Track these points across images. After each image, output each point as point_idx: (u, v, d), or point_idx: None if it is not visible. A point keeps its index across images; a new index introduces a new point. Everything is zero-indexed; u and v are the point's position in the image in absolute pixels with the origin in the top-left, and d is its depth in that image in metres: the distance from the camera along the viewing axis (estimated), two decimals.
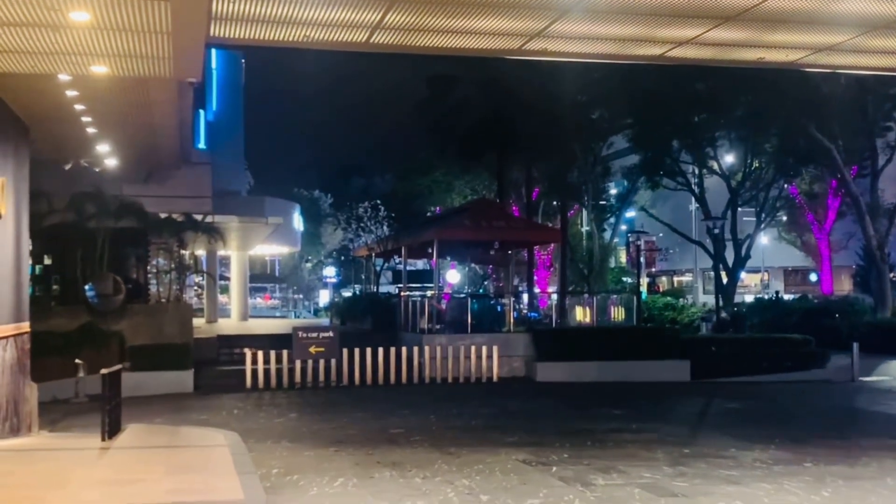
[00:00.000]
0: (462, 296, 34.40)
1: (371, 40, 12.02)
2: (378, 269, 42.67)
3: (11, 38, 10.64)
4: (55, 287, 26.57)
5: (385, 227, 52.66)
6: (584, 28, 11.82)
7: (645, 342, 26.52)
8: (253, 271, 62.29)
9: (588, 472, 11.94)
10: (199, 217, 27.92)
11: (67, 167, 23.00)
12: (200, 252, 37.29)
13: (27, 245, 17.07)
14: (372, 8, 10.90)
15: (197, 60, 12.19)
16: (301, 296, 79.52)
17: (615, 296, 33.38)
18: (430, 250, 31.77)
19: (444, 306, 28.63)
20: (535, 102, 33.43)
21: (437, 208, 48.97)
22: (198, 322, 34.13)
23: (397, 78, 38.86)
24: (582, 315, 30.38)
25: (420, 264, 49.18)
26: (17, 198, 15.53)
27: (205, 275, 40.59)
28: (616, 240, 47.38)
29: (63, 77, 13.15)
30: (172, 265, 28.11)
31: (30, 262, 22.37)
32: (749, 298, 45.61)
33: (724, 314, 33.28)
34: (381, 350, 24.21)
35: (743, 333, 31.22)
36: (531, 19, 11.39)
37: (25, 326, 16.03)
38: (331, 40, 12.06)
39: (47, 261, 26.81)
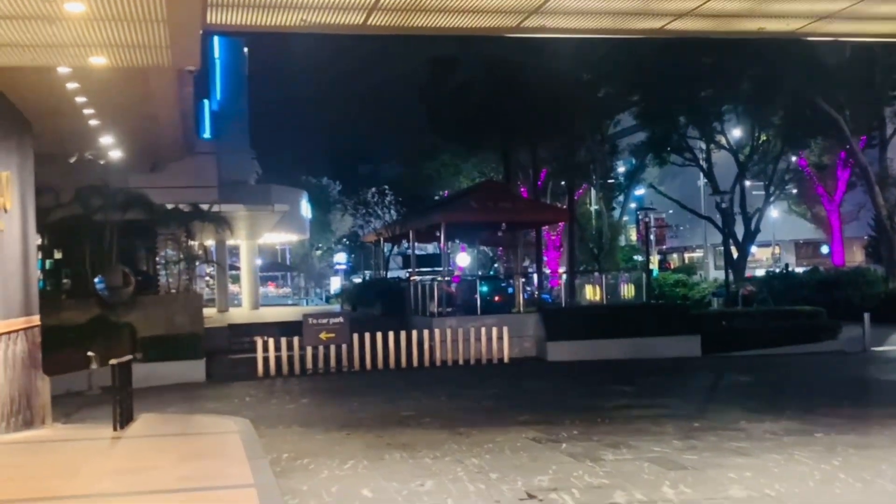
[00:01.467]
0: (471, 278, 34.39)
1: (368, 22, 11.96)
2: (387, 254, 42.69)
3: (8, 31, 10.64)
4: (66, 281, 26.69)
5: (393, 212, 52.64)
6: (582, 3, 11.74)
7: (655, 319, 26.48)
8: (264, 260, 62.43)
9: (597, 448, 11.95)
10: (205, 207, 27.97)
11: (72, 160, 23.05)
12: (209, 242, 37.36)
13: (34, 239, 17.14)
14: None
15: (194, 48, 12.17)
16: (312, 283, 79.64)
17: (625, 274, 33.32)
18: (438, 234, 31.75)
19: (453, 289, 28.64)
20: (540, 82, 33.30)
21: (445, 192, 48.90)
22: (209, 312, 34.26)
23: (400, 62, 38.81)
24: (592, 294, 30.34)
25: (429, 248, 49.23)
26: (23, 192, 15.58)
27: (214, 264, 40.69)
28: (625, 218, 47.29)
29: (63, 70, 13.17)
30: (181, 256, 28.19)
31: (39, 256, 22.50)
32: (760, 272, 45.47)
33: (749, 287, 33.17)
34: (391, 334, 24.27)
35: (751, 307, 31.14)
36: None
37: (36, 320, 16.12)
38: (327, 23, 12.00)
39: (58, 255, 26.93)
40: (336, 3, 11.21)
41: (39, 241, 22.17)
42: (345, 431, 14.11)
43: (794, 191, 47.32)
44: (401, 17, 11.95)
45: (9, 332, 13.93)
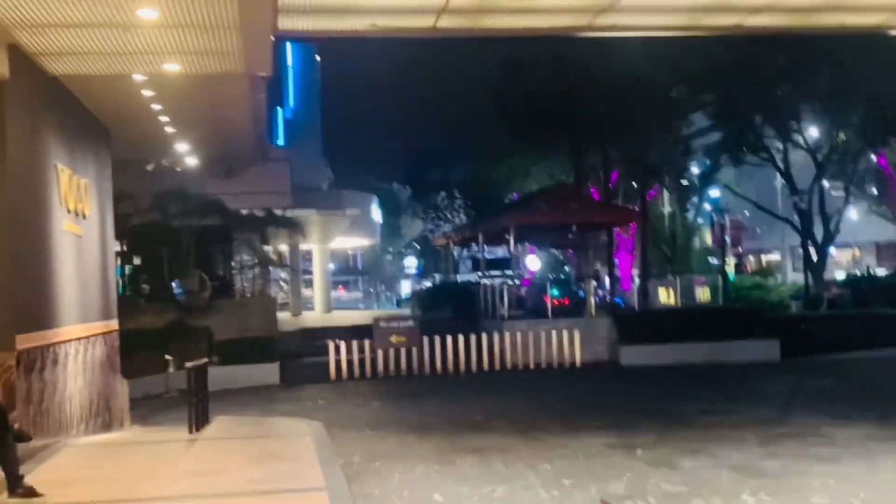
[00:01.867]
0: (542, 281, 34.13)
1: (437, 25, 11.92)
2: (457, 257, 42.66)
3: (84, 39, 10.88)
4: (144, 285, 27.24)
5: (463, 216, 52.58)
6: None
7: (732, 322, 25.90)
8: (336, 264, 62.97)
9: (674, 455, 11.70)
10: (279, 212, 28.31)
11: (150, 167, 23.52)
12: (283, 247, 37.83)
13: (113, 245, 17.52)
14: None
15: (266, 54, 12.29)
16: (383, 287, 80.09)
17: (700, 276, 32.69)
18: (507, 237, 31.57)
19: (523, 292, 28.45)
20: (611, 83, 32.89)
21: (515, 194, 48.68)
22: (283, 315, 34.66)
23: (470, 65, 38.70)
24: (666, 297, 29.83)
25: (499, 251, 49.01)
26: (101, 199, 15.94)
27: (288, 269, 41.19)
28: (700, 220, 46.45)
29: (138, 77, 13.40)
30: (256, 260, 28.57)
31: (119, 262, 23.01)
32: (840, 275, 44.20)
33: (834, 289, 32.30)
34: (461, 338, 24.23)
35: (835, 310, 30.27)
36: None
37: (114, 324, 16.48)
38: (396, 27, 12.02)
39: (136, 260, 27.51)
40: (405, 6, 11.22)
41: (119, 247, 22.68)
42: (416, 435, 14.08)
43: (875, 191, 45.91)
44: (470, 18, 11.89)
45: (88, 337, 14.24)
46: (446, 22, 11.86)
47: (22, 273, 11.09)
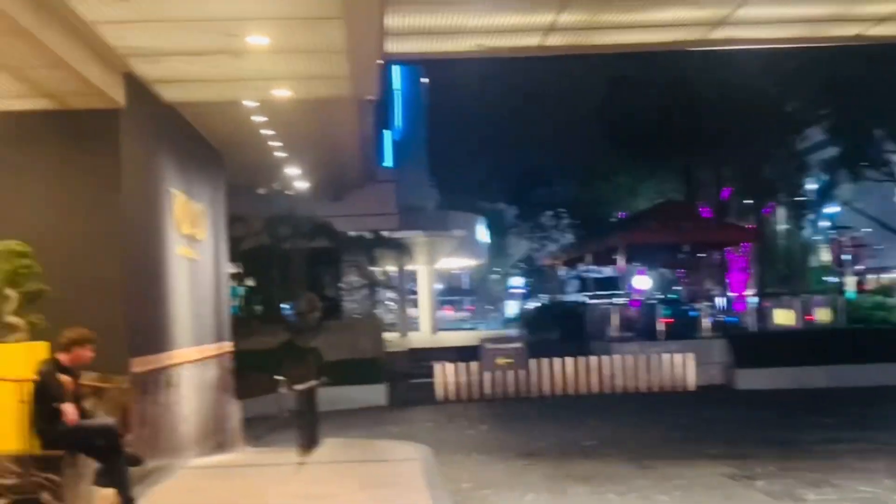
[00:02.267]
0: (652, 301, 33.37)
1: (544, 43, 11.75)
2: (564, 277, 42.20)
3: (196, 67, 11.10)
4: (257, 307, 27.75)
5: (569, 235, 52.06)
6: (773, 10, 11.08)
7: (856, 344, 24.71)
8: (442, 284, 63.21)
9: (797, 486, 11.10)
10: (386, 233, 28.52)
11: (262, 191, 24.00)
12: (390, 267, 38.12)
13: (226, 268, 17.86)
14: (544, 9, 10.64)
15: (374, 78, 12.30)
16: (489, 307, 79.96)
17: (819, 296, 31.38)
18: (615, 256, 30.99)
19: (633, 313, 27.83)
20: (724, 98, 32.06)
21: (623, 213, 47.90)
22: (390, 336, 34.85)
23: (577, 82, 38.31)
24: (783, 318, 28.71)
25: (607, 271, 48.26)
26: (215, 223, 16.27)
27: (395, 290, 41.46)
28: (817, 237, 44.76)
29: (248, 103, 13.62)
30: (363, 281, 28.83)
31: (233, 283, 23.49)
32: None
33: None
34: (569, 360, 23.84)
35: None
36: (714, 5, 10.76)
37: (227, 346, 16.76)
38: (502, 46, 11.91)
39: (249, 282, 28.07)
40: (512, 25, 11.09)
41: (232, 270, 23.18)
42: (524, 461, 13.81)
43: None
44: (578, 36, 11.68)
45: (201, 359, 14.48)
46: (554, 40, 11.67)
47: (137, 297, 11.33)
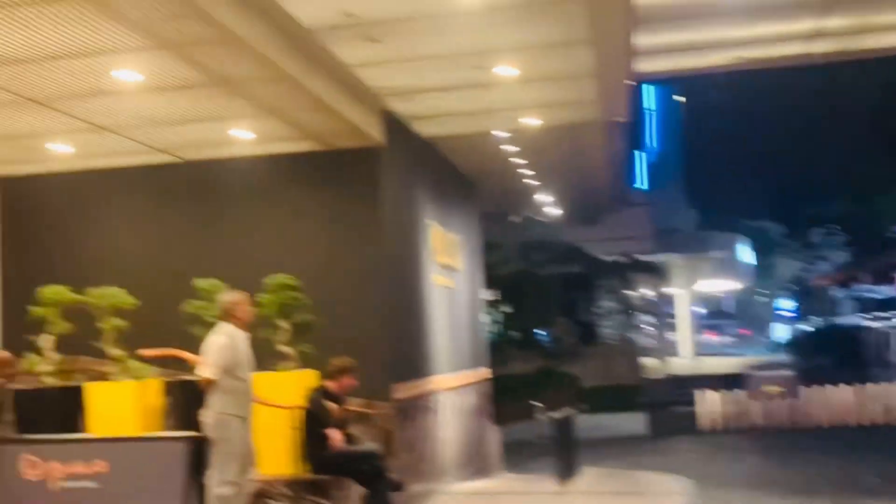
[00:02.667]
0: None
1: (808, 50, 11.00)
2: (837, 298, 39.40)
3: (448, 101, 11.35)
4: (514, 333, 28.04)
5: (843, 253, 48.66)
6: None
7: None
8: (702, 307, 60.99)
9: None
10: (640, 256, 27.94)
11: (514, 218, 24.25)
12: (646, 291, 37.29)
13: (481, 295, 18.12)
14: (807, 15, 9.96)
15: (623, 100, 12.05)
16: (756, 331, 76.18)
17: None
18: None
19: None
20: None
21: None
22: (648, 362, 34.00)
23: (842, 89, 35.85)
24: None
25: (886, 290, 44.56)
26: (470, 251, 16.57)
27: (652, 314, 40.50)
28: None
29: (498, 133, 13.77)
30: (619, 306, 28.39)
31: (489, 310, 23.88)
32: None
33: None
34: (847, 388, 22.09)
35: None
36: None
37: (484, 372, 16.95)
38: (764, 57, 11.26)
39: (506, 308, 28.44)
40: (772, 34, 10.51)
41: (488, 296, 23.57)
42: (797, 499, 12.85)
43: None
44: (846, 40, 10.84)
45: (459, 385, 14.72)
46: (819, 46, 10.90)
47: (397, 325, 11.69)
